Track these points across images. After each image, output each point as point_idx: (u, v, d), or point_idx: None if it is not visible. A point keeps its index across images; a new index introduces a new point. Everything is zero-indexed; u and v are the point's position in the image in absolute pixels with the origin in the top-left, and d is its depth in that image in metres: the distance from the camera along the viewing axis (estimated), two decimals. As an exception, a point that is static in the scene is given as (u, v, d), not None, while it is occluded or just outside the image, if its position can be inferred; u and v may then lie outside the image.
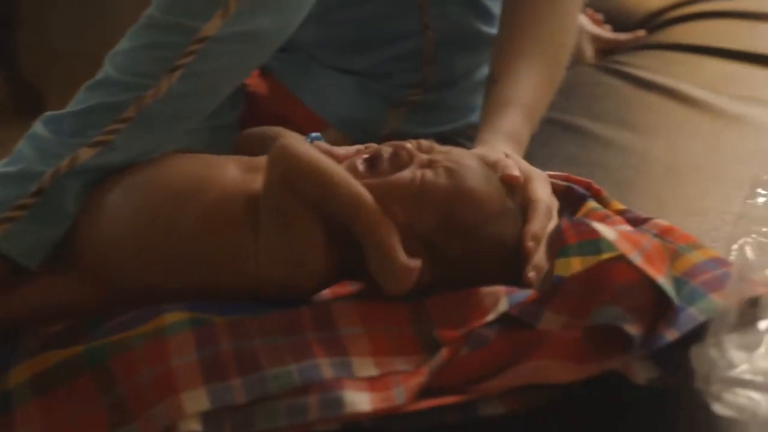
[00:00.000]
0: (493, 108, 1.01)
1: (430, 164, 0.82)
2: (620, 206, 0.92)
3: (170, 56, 0.84)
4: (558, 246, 0.80)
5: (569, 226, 0.80)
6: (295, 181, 0.78)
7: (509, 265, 0.83)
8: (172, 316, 0.77)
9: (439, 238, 0.80)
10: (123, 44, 0.86)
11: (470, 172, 0.82)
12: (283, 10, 0.89)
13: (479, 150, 0.94)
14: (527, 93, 1.03)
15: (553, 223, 0.87)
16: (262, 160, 0.82)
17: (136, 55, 0.85)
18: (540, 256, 0.83)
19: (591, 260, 0.79)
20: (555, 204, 0.90)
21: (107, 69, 0.85)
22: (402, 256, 0.77)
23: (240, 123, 1.23)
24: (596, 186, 0.94)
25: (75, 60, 1.37)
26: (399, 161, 0.82)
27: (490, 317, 0.76)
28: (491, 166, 0.87)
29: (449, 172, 0.81)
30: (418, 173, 0.81)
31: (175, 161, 0.86)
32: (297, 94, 1.25)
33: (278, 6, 0.88)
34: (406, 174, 0.81)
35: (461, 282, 0.80)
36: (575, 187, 0.94)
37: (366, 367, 0.74)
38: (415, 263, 0.77)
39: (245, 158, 0.86)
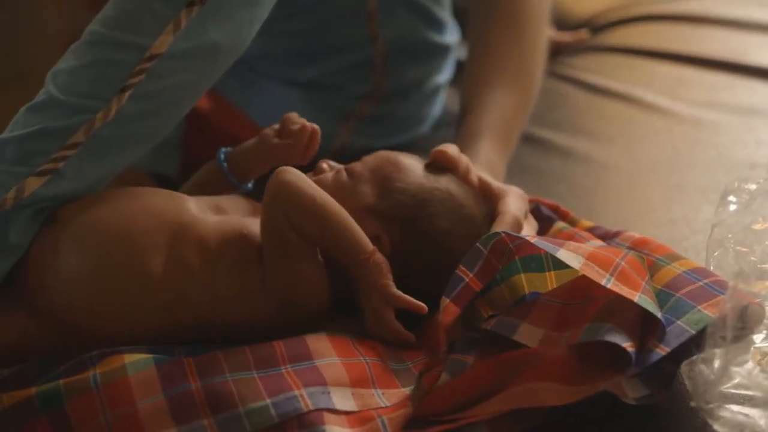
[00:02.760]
0: (466, 139, 1.00)
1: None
2: (589, 224, 0.91)
3: (119, 76, 0.79)
4: (502, 249, 0.78)
5: (515, 237, 0.78)
6: (295, 218, 0.77)
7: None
8: (132, 355, 0.72)
9: (384, 204, 0.82)
10: (66, 62, 0.80)
11: (385, 152, 0.86)
12: (235, 23, 0.84)
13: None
14: (499, 122, 1.02)
15: (515, 199, 0.86)
16: (223, 200, 0.82)
17: (82, 75, 0.79)
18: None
19: (568, 273, 0.77)
20: (532, 223, 0.87)
21: (50, 89, 0.79)
22: (396, 291, 0.78)
23: (184, 140, 1.19)
24: (564, 208, 0.92)
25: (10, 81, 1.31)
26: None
27: (440, 319, 0.74)
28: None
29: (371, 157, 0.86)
30: (342, 170, 0.85)
31: (134, 198, 0.81)
32: (242, 109, 1.21)
33: (230, 19, 0.84)
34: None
35: (421, 253, 0.81)
36: (542, 207, 0.93)
37: (345, 399, 0.70)
38: (417, 303, 0.77)
39: (204, 198, 0.83)
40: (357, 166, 0.85)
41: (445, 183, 0.83)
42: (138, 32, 0.80)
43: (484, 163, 0.97)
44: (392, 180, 0.83)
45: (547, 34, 1.13)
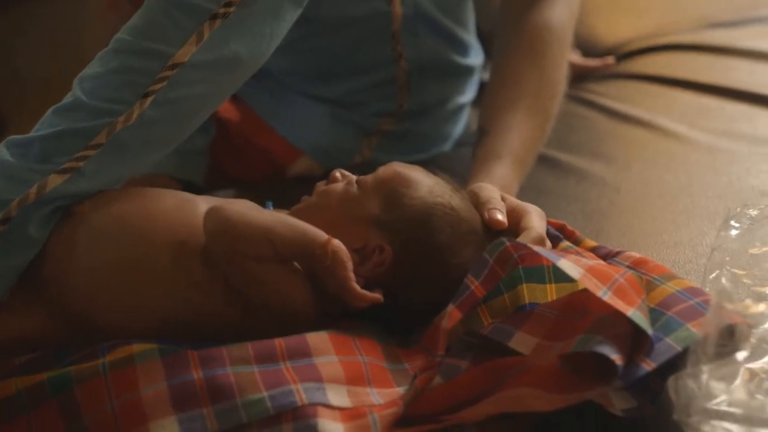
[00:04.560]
0: (483, 160, 1.02)
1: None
2: (592, 243, 0.93)
3: (142, 82, 0.83)
4: (507, 258, 0.80)
5: (520, 247, 0.80)
6: (244, 249, 0.79)
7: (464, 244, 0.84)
8: (141, 346, 0.76)
9: (389, 217, 0.83)
10: (93, 68, 0.85)
11: (397, 165, 0.88)
12: (256, 37, 0.88)
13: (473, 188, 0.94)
14: (516, 145, 1.04)
15: (539, 218, 0.88)
16: (234, 202, 0.83)
17: (107, 80, 0.83)
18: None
19: (567, 287, 0.79)
20: (546, 242, 0.90)
21: (76, 93, 0.84)
22: (354, 287, 0.79)
23: (211, 149, 1.23)
24: (570, 228, 0.94)
25: (42, 86, 1.36)
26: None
27: (444, 324, 0.76)
28: (481, 204, 0.88)
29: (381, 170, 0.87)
30: (353, 181, 0.87)
31: (150, 198, 0.84)
32: (269, 121, 1.25)
33: (251, 33, 0.87)
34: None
35: (423, 265, 0.82)
36: (549, 227, 0.94)
37: (339, 395, 0.73)
38: (372, 295, 0.79)
39: (215, 199, 0.86)
40: (367, 178, 0.87)
41: (448, 198, 0.85)
42: (162, 41, 0.84)
43: (498, 183, 0.99)
44: (398, 194, 0.85)
45: (567, 58, 1.16)
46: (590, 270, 0.77)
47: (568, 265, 0.77)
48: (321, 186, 0.88)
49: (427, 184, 0.86)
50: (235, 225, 0.79)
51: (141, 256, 0.80)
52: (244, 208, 0.81)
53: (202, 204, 0.84)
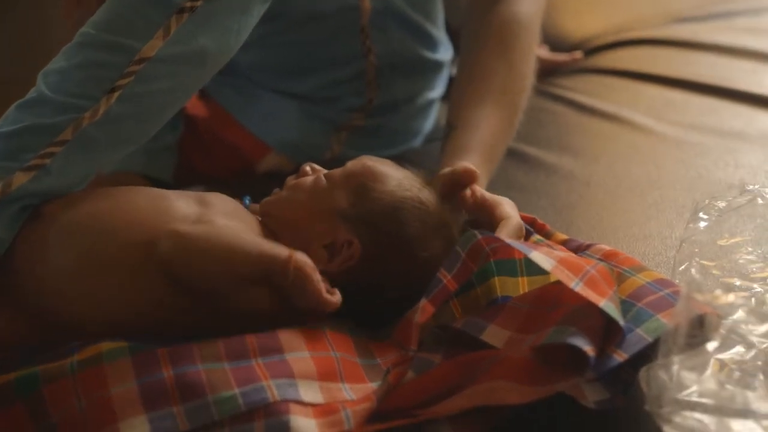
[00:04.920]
0: (451, 154, 1.02)
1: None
2: (563, 237, 0.93)
3: (108, 76, 0.82)
4: (479, 252, 0.80)
5: (492, 240, 0.80)
6: (200, 278, 0.77)
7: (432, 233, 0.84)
8: (110, 344, 0.75)
9: (357, 210, 0.83)
10: (57, 62, 0.83)
11: (367, 159, 0.88)
12: (224, 32, 0.87)
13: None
14: (485, 139, 1.04)
15: (512, 207, 0.89)
16: (208, 195, 0.84)
17: (72, 75, 0.82)
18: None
19: (539, 280, 0.79)
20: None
21: (40, 87, 0.82)
22: (325, 298, 0.78)
23: (179, 145, 1.22)
24: (540, 221, 0.94)
25: (11, 86, 1.34)
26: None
27: (416, 318, 0.76)
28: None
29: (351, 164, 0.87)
30: (321, 175, 0.87)
31: (120, 196, 0.83)
32: (237, 117, 1.24)
33: (219, 27, 0.87)
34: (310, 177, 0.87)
35: (391, 259, 0.82)
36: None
37: (312, 391, 0.72)
38: (336, 297, 0.78)
39: (190, 193, 0.85)
40: (336, 171, 0.87)
41: (417, 191, 0.85)
42: (128, 35, 0.83)
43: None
44: (367, 187, 0.84)
45: (535, 53, 1.16)
46: (562, 261, 0.77)
47: (540, 257, 0.77)
48: (291, 180, 0.87)
49: (396, 178, 0.86)
50: (190, 258, 0.77)
51: (113, 253, 0.79)
52: (201, 235, 0.78)
53: (176, 200, 0.83)
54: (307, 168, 0.88)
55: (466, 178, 0.90)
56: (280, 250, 0.78)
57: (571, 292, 0.74)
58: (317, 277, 0.78)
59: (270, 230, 0.84)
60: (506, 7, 1.12)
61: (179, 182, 1.20)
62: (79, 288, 0.79)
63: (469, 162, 1.01)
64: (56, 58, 0.84)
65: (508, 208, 0.89)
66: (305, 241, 0.82)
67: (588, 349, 0.71)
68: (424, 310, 0.77)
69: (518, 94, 1.10)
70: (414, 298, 0.79)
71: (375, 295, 0.83)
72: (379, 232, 0.83)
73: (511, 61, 1.10)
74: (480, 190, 0.91)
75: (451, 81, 1.30)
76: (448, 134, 1.07)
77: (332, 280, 0.80)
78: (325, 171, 0.88)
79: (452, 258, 0.79)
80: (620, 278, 0.82)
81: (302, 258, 0.78)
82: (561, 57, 1.48)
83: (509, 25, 1.12)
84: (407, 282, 0.82)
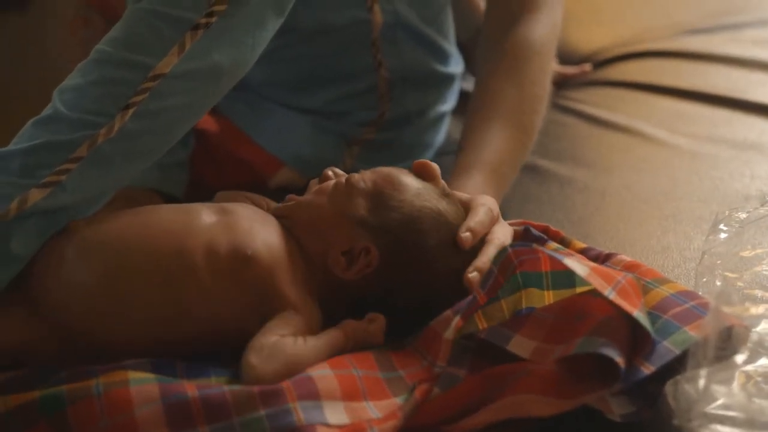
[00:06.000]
0: (456, 175, 1.01)
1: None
2: (581, 245, 0.92)
3: (123, 93, 0.81)
4: (508, 265, 0.80)
5: (522, 252, 0.79)
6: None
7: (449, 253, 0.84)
8: (137, 374, 0.74)
9: (375, 218, 0.83)
10: (73, 79, 0.83)
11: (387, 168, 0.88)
12: (239, 47, 0.87)
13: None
14: (489, 157, 1.03)
15: (502, 228, 0.88)
16: (231, 206, 0.84)
17: (87, 92, 0.82)
18: (483, 260, 0.83)
19: (565, 293, 0.78)
20: (506, 228, 0.89)
21: (56, 105, 0.82)
22: (382, 338, 0.81)
23: (191, 161, 1.21)
24: (554, 229, 0.93)
25: (8, 98, 1.34)
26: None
27: (447, 335, 0.76)
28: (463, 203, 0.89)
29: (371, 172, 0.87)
30: (342, 178, 0.87)
31: (147, 211, 0.83)
32: (249, 133, 1.23)
33: (234, 43, 0.86)
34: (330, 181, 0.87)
35: (410, 264, 0.83)
36: (532, 229, 0.94)
37: (337, 413, 0.72)
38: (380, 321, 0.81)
39: (212, 205, 0.85)
40: (358, 178, 0.86)
41: (435, 202, 0.85)
42: (143, 52, 0.82)
43: (470, 193, 0.98)
44: (386, 196, 0.84)
45: (551, 71, 1.15)
46: (594, 270, 0.77)
47: (575, 264, 0.77)
48: (314, 184, 0.87)
49: (415, 188, 0.86)
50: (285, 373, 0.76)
51: (142, 263, 0.79)
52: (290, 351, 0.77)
53: (204, 211, 0.83)
54: (330, 173, 0.88)
55: (425, 174, 0.88)
56: (338, 339, 0.79)
57: (598, 303, 0.74)
58: (376, 338, 0.80)
59: (291, 233, 0.84)
60: (519, 31, 1.11)
61: (191, 198, 1.19)
62: (103, 301, 0.78)
63: (471, 180, 1.01)
64: (72, 74, 0.83)
65: (480, 211, 0.87)
66: (324, 246, 0.83)
67: (619, 360, 0.70)
68: (456, 326, 0.76)
69: (529, 115, 1.09)
70: (432, 306, 0.79)
71: (392, 302, 0.82)
72: (396, 241, 0.83)
73: (521, 84, 1.09)
74: (457, 193, 0.90)
75: (462, 95, 1.30)
76: (456, 156, 1.06)
77: (349, 287, 0.81)
78: (347, 175, 0.87)
79: (487, 276, 0.80)
80: (643, 290, 0.81)
81: (355, 333, 0.80)
82: (570, 70, 1.47)
83: (521, 50, 1.11)
84: (425, 290, 0.82)
